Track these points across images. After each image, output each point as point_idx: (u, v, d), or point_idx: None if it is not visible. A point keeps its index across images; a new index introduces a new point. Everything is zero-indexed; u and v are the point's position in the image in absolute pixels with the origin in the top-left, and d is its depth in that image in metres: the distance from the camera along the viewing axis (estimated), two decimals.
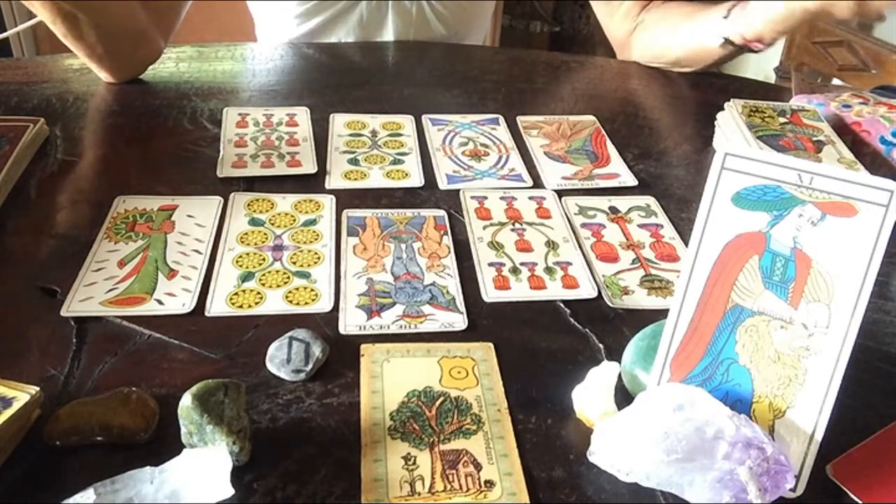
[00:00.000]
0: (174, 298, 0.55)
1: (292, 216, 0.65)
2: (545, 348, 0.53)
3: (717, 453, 0.40)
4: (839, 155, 0.71)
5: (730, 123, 0.77)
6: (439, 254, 0.61)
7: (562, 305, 0.57)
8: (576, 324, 0.55)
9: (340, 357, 0.51)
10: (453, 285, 0.58)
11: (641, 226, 0.67)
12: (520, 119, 0.83)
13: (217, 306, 0.55)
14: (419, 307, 0.56)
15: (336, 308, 0.55)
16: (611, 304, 0.57)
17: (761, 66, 2.64)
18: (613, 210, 0.69)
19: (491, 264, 0.61)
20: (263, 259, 0.60)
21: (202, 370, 0.49)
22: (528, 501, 0.42)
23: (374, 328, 0.53)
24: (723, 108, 0.79)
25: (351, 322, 0.54)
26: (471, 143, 0.78)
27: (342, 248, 0.61)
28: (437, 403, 0.48)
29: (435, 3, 1.07)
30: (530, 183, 0.72)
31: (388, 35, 1.07)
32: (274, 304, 0.55)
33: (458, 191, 0.70)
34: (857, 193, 0.41)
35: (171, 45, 0.94)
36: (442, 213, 0.66)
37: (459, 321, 0.55)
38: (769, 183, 0.43)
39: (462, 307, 0.56)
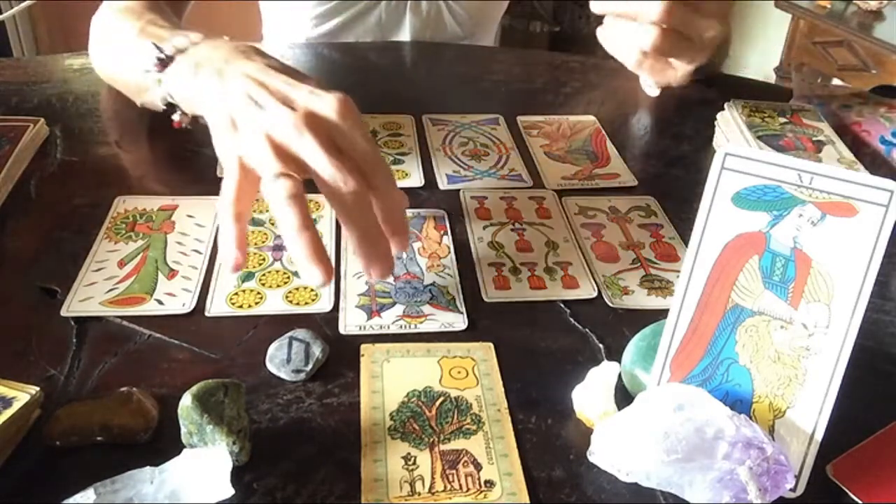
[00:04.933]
0: (174, 298, 0.55)
1: None
2: (545, 348, 0.53)
3: (717, 453, 0.40)
4: (839, 155, 0.71)
5: (730, 123, 0.77)
6: (439, 254, 0.61)
7: (562, 305, 0.57)
8: (576, 324, 0.55)
9: (340, 357, 0.51)
10: (453, 285, 0.58)
11: (641, 226, 0.67)
12: (520, 119, 0.83)
13: (217, 306, 0.55)
14: (419, 307, 0.56)
15: (336, 308, 0.55)
16: (611, 304, 0.57)
17: (761, 67, 2.65)
18: (613, 210, 0.69)
19: (491, 264, 0.61)
20: (263, 259, 0.60)
21: (202, 370, 0.49)
22: (528, 501, 0.42)
23: (374, 328, 0.53)
24: (723, 108, 0.79)
25: (351, 322, 0.54)
26: (471, 143, 0.78)
27: (342, 247, 0.61)
28: (437, 403, 0.48)
29: (452, 3, 1.07)
30: (530, 183, 0.72)
31: (405, 35, 1.07)
32: (274, 304, 0.55)
33: (458, 191, 0.70)
34: (857, 193, 0.41)
35: None
36: (442, 213, 0.66)
37: (459, 321, 0.55)
38: (769, 183, 0.43)
39: (462, 307, 0.56)
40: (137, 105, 0.76)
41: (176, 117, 0.67)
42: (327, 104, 0.51)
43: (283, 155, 0.50)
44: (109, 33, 0.78)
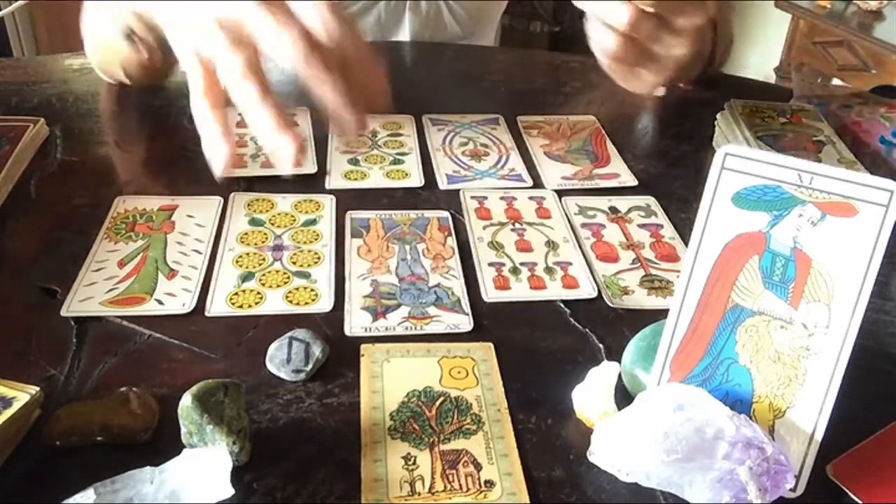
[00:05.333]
0: (174, 298, 0.55)
1: (292, 216, 0.65)
2: (545, 348, 0.53)
3: (717, 453, 0.40)
4: (839, 155, 0.71)
5: (730, 123, 0.77)
6: (444, 255, 0.61)
7: (562, 305, 0.57)
8: (576, 324, 0.55)
9: (340, 357, 0.51)
10: (458, 286, 0.58)
11: (641, 226, 0.67)
12: (520, 119, 0.83)
13: (217, 306, 0.55)
14: (424, 308, 0.56)
15: (336, 308, 0.55)
16: (611, 304, 0.57)
17: (761, 67, 2.65)
18: (613, 210, 0.69)
19: (491, 264, 0.61)
20: (263, 259, 0.60)
21: (202, 370, 0.49)
22: (528, 501, 0.42)
23: (379, 330, 0.53)
24: (723, 108, 0.79)
25: (356, 324, 0.54)
26: (471, 143, 0.78)
27: (346, 249, 0.61)
28: (437, 403, 0.48)
29: (452, 3, 1.07)
30: (530, 183, 0.72)
31: (405, 35, 1.07)
32: (274, 304, 0.55)
33: (457, 191, 0.70)
34: (857, 193, 0.41)
35: None
36: (446, 214, 0.66)
37: (465, 322, 0.54)
38: (769, 183, 0.43)
39: (468, 308, 0.56)
40: (126, 80, 0.79)
41: (142, 53, 0.68)
42: None
43: (235, 37, 0.49)
44: (91, 19, 0.81)
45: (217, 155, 0.50)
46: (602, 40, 0.72)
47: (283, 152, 0.48)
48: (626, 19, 0.69)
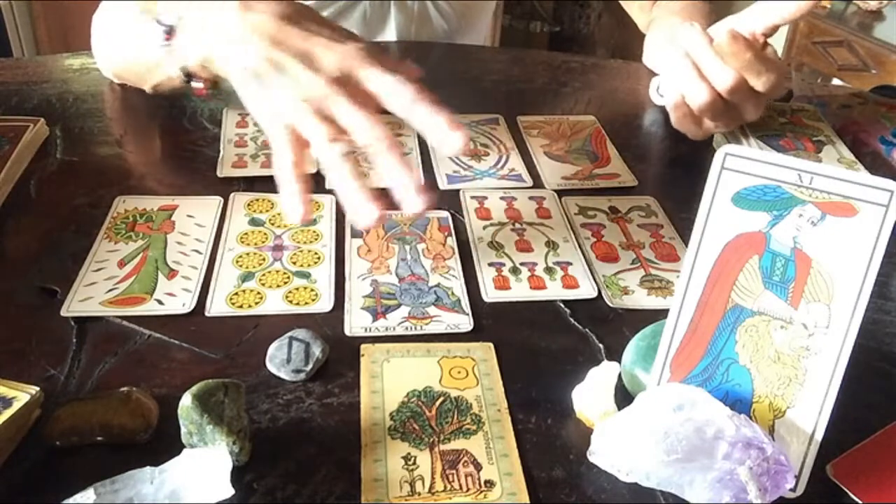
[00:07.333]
0: (174, 298, 0.55)
1: None
2: (545, 348, 0.53)
3: (717, 453, 0.40)
4: (839, 155, 0.71)
5: None
6: (443, 255, 0.61)
7: (562, 305, 0.57)
8: (576, 324, 0.55)
9: (340, 357, 0.51)
10: (458, 286, 0.58)
11: (641, 226, 0.67)
12: (520, 119, 0.83)
13: (217, 306, 0.55)
14: (424, 308, 0.56)
15: (336, 308, 0.55)
16: (611, 304, 0.57)
17: None
18: (613, 210, 0.69)
19: (491, 264, 0.61)
20: (263, 259, 0.60)
21: (202, 370, 0.49)
22: (528, 501, 0.42)
23: (379, 330, 0.53)
24: None
25: (356, 324, 0.54)
26: (471, 143, 0.78)
27: (346, 249, 0.61)
28: (437, 403, 0.48)
29: (439, 1, 1.07)
30: (530, 183, 0.72)
31: (391, 32, 1.07)
32: (274, 304, 0.55)
33: (457, 191, 0.70)
34: (857, 193, 0.41)
35: None
36: (445, 214, 0.66)
37: (465, 322, 0.54)
38: (769, 183, 0.43)
39: (468, 308, 0.56)
40: (148, 92, 0.78)
41: (198, 85, 0.69)
42: (349, 54, 0.55)
43: (323, 115, 0.53)
44: (113, 26, 0.80)
45: (296, 213, 0.53)
46: (692, 92, 0.71)
47: (368, 218, 0.52)
48: (730, 84, 0.68)
